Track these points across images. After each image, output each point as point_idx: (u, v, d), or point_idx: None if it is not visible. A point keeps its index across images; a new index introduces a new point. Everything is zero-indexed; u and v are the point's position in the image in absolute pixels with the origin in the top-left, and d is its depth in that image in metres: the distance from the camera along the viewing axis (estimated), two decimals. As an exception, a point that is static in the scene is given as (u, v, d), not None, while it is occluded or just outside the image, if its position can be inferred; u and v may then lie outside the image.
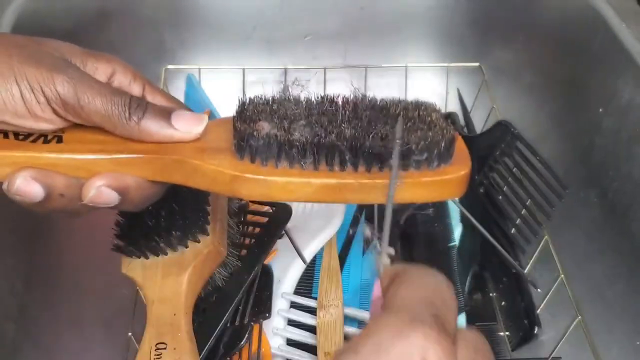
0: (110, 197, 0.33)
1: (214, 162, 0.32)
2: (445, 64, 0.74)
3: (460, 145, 0.34)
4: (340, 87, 0.73)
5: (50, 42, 0.34)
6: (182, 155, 0.33)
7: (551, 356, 0.52)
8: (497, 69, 0.73)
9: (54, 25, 0.61)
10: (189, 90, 0.72)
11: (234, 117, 0.34)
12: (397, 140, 0.31)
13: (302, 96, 0.35)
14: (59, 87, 0.32)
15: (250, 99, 0.35)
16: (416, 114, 0.34)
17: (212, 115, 0.66)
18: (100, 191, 0.33)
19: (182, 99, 0.73)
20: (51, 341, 0.52)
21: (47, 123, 0.33)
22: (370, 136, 0.32)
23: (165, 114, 0.34)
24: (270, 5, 0.70)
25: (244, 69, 0.72)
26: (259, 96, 0.35)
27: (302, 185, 0.32)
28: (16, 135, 0.33)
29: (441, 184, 0.32)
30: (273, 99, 0.35)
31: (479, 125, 0.71)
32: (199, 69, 0.72)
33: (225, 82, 0.72)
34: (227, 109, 0.69)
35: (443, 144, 0.32)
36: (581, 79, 0.62)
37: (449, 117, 0.71)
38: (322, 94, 0.35)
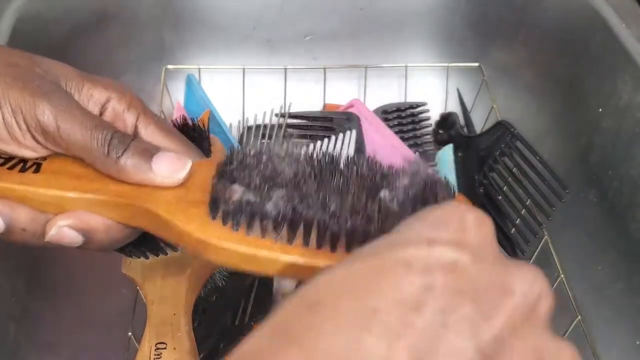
0: (73, 238, 0.31)
1: (183, 219, 0.30)
2: (445, 64, 0.74)
3: None
4: (340, 87, 0.74)
5: (46, 63, 0.33)
6: (154, 205, 0.31)
7: (551, 356, 0.52)
8: (497, 69, 0.73)
9: (53, 26, 0.61)
10: (189, 90, 0.72)
11: (216, 170, 0.31)
12: None
13: (301, 149, 0.32)
14: (40, 115, 0.30)
15: (240, 149, 0.32)
16: (420, 193, 0.30)
17: (212, 116, 0.66)
18: (62, 231, 0.31)
19: (182, 99, 0.73)
20: (52, 341, 0.52)
21: (29, 150, 0.32)
22: (352, 216, 0.28)
23: (147, 155, 0.31)
24: (270, 5, 0.70)
25: (244, 69, 0.72)
26: (251, 145, 0.32)
27: (270, 261, 0.29)
28: None
29: None
30: (265, 150, 0.32)
31: (479, 125, 0.71)
32: (199, 69, 0.72)
33: (225, 82, 0.72)
34: (227, 109, 0.69)
35: None
36: (581, 79, 0.62)
37: (449, 117, 0.71)
38: (325, 151, 0.32)
